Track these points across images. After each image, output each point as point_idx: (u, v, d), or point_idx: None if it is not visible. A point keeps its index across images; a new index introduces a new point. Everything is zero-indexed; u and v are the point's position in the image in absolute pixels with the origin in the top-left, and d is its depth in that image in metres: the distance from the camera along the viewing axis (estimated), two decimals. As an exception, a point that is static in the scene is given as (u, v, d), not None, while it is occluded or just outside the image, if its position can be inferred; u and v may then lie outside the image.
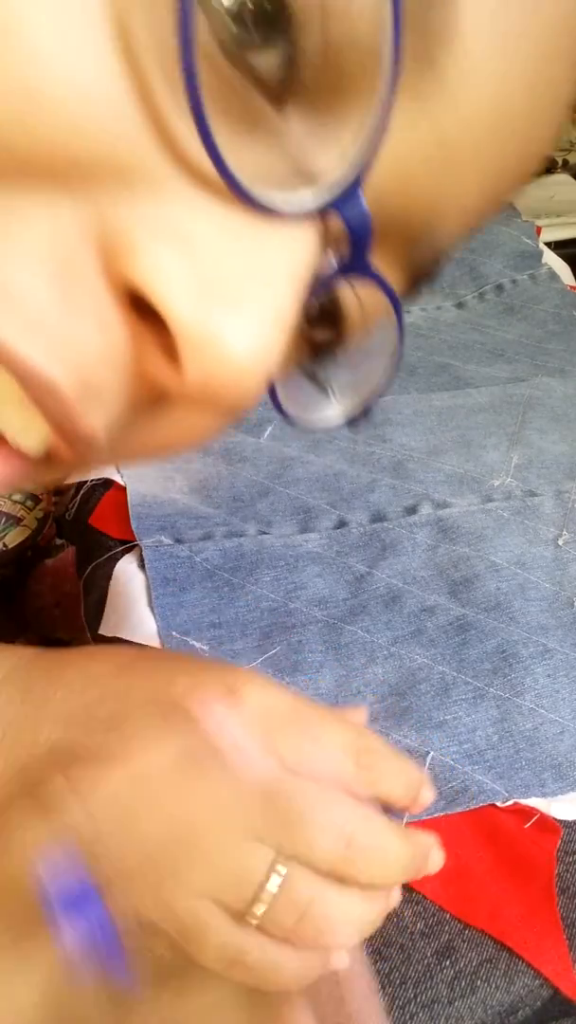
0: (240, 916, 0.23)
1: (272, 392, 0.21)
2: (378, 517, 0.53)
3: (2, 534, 0.66)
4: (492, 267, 0.81)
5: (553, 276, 0.80)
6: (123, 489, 0.55)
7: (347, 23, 0.14)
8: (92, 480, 0.57)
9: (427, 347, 0.72)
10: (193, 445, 0.21)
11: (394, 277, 0.19)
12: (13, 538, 0.67)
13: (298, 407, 0.22)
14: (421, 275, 0.20)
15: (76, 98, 0.13)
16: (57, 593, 0.73)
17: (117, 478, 0.56)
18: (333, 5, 0.14)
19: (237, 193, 0.14)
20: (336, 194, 0.15)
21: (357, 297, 0.20)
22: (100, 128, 0.14)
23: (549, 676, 0.43)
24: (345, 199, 0.16)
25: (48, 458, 0.17)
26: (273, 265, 0.15)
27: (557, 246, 0.87)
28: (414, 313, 0.77)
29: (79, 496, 0.58)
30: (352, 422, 0.23)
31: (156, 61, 0.14)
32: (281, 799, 0.25)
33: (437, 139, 0.16)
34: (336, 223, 0.16)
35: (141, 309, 0.15)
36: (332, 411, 0.23)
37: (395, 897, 0.28)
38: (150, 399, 0.17)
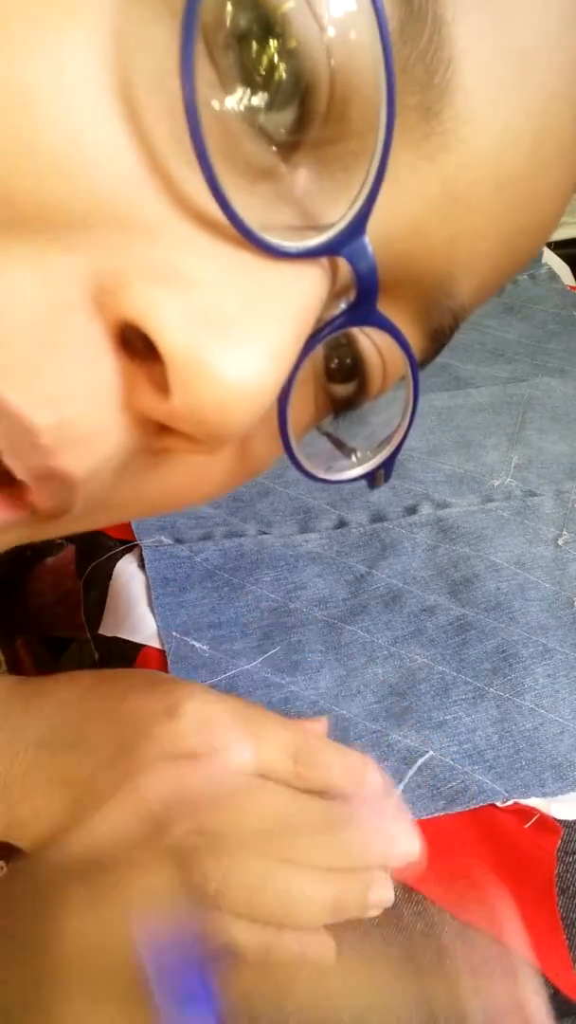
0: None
1: (290, 451, 0.21)
2: (378, 517, 0.53)
3: None
4: (492, 267, 0.81)
5: (553, 276, 0.80)
6: None
7: (352, 84, 0.15)
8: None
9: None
10: (201, 497, 0.21)
11: (411, 333, 0.19)
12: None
13: (315, 464, 0.22)
14: (439, 333, 0.20)
15: (77, 155, 0.14)
16: (58, 591, 0.73)
17: None
18: (339, 70, 0.15)
19: (242, 232, 0.15)
20: (340, 237, 0.16)
21: (379, 354, 0.20)
22: (99, 182, 0.14)
23: (549, 676, 0.43)
24: (350, 243, 0.16)
25: (34, 511, 0.17)
26: (272, 301, 0.16)
27: (557, 246, 0.87)
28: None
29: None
30: (371, 478, 0.23)
31: (164, 118, 0.14)
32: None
33: (445, 190, 0.17)
34: (345, 271, 0.17)
35: (131, 348, 0.15)
36: (350, 467, 0.23)
37: (381, 888, 0.29)
38: (143, 446, 0.17)
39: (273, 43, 0.14)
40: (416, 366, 0.20)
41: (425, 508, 0.54)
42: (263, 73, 0.14)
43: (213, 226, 0.15)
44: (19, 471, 0.16)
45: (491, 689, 0.43)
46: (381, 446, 0.22)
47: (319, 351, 0.19)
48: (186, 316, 0.15)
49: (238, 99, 0.15)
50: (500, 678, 0.43)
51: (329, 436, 0.23)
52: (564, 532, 0.52)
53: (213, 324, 0.15)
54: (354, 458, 0.23)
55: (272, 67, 0.14)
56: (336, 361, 0.21)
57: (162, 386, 0.15)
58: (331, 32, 0.14)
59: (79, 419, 0.15)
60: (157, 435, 0.17)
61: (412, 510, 0.54)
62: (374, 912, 0.29)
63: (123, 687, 0.32)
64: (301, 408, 0.21)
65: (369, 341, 0.20)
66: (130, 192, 0.14)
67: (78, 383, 0.15)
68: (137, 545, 0.50)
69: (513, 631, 0.46)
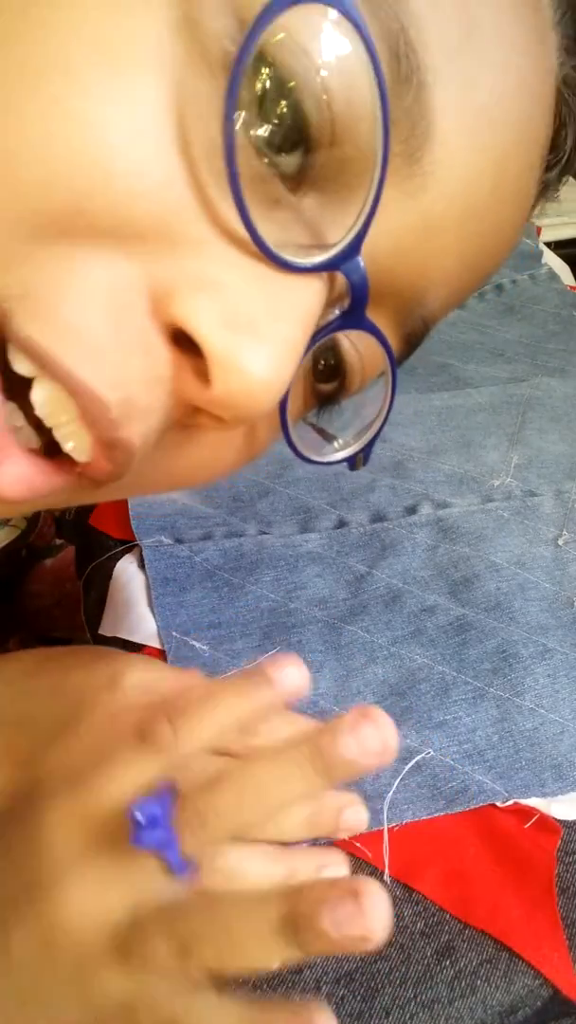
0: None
1: (287, 433, 0.24)
2: (378, 517, 0.53)
3: None
4: (492, 267, 0.81)
5: (553, 276, 0.80)
6: None
7: (350, 135, 0.19)
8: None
9: (427, 347, 0.72)
10: (214, 473, 0.25)
11: (390, 335, 0.24)
12: (1, 538, 0.67)
13: (307, 448, 0.26)
14: (412, 337, 0.25)
15: (142, 181, 0.18)
16: (57, 593, 0.73)
17: None
18: (340, 125, 0.19)
19: (264, 253, 0.19)
20: (340, 256, 0.20)
21: (359, 357, 0.25)
22: (158, 204, 0.18)
23: (549, 676, 0.43)
24: (348, 261, 0.20)
25: (90, 472, 0.20)
26: (287, 308, 0.20)
27: (557, 246, 0.87)
28: (414, 313, 0.77)
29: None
30: (351, 462, 0.27)
31: (205, 156, 0.18)
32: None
33: (423, 219, 0.21)
34: (340, 283, 0.21)
35: (180, 343, 0.19)
36: (335, 452, 0.27)
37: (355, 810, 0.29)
38: (182, 423, 0.21)
39: (289, 104, 0.18)
40: (395, 364, 0.24)
41: (425, 508, 0.54)
42: (282, 123, 0.18)
43: (241, 244, 0.19)
44: (91, 438, 0.19)
45: (491, 689, 0.43)
46: (361, 433, 0.27)
47: (308, 353, 0.23)
48: (221, 319, 0.18)
49: (262, 142, 0.18)
50: (500, 678, 0.43)
51: (313, 426, 0.28)
52: (564, 532, 0.52)
53: (243, 326, 0.19)
54: (336, 444, 0.27)
55: (289, 119, 0.18)
56: (322, 363, 0.25)
57: (203, 376, 0.19)
58: (336, 98, 0.18)
59: (139, 398, 0.19)
60: (191, 414, 0.21)
61: (412, 510, 0.54)
62: (345, 834, 0.29)
63: (68, 663, 0.33)
64: (293, 401, 0.24)
65: (351, 346, 0.25)
66: (182, 214, 0.18)
67: (139, 369, 0.19)
68: (137, 545, 0.50)
69: (513, 631, 0.46)
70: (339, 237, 0.20)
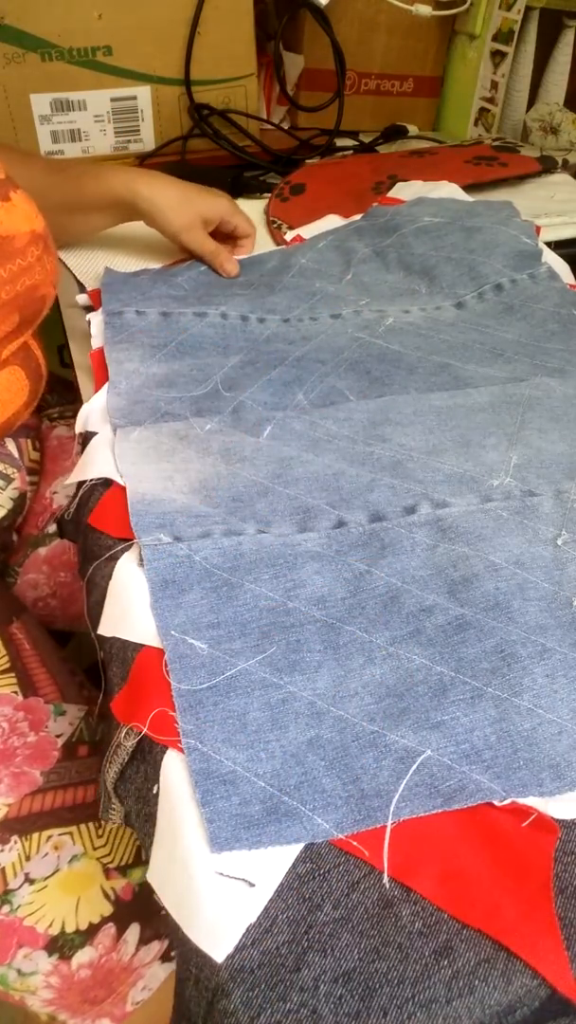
0: None
1: None
2: (377, 517, 0.53)
3: None
4: (492, 267, 0.80)
5: (553, 275, 0.80)
6: (122, 488, 0.55)
7: None
8: (91, 480, 0.58)
9: (426, 347, 0.72)
10: None
11: None
12: None
13: None
14: None
15: None
16: (52, 583, 0.74)
17: (116, 478, 0.56)
18: None
19: None
20: None
21: None
22: None
23: (548, 676, 0.43)
24: None
25: None
26: None
27: (557, 246, 0.87)
28: (413, 313, 0.77)
29: (78, 497, 0.58)
30: None
31: None
32: None
33: None
34: None
35: None
36: None
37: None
38: None
39: None
40: None
41: (424, 508, 0.54)
42: None
43: None
44: None
45: (489, 689, 0.43)
46: None
47: None
48: None
49: None
50: (498, 678, 0.43)
51: None
52: (563, 532, 0.52)
53: None
54: None
55: None
56: None
57: None
58: None
59: None
60: None
61: (411, 510, 0.54)
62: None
63: (80, 171, 0.58)
64: None
65: None
66: None
67: None
68: (136, 544, 0.50)
69: (512, 631, 0.46)
70: None
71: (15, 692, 0.59)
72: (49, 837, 0.56)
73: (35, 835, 0.55)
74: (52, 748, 0.58)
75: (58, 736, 0.59)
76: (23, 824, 0.55)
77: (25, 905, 0.55)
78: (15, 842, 0.55)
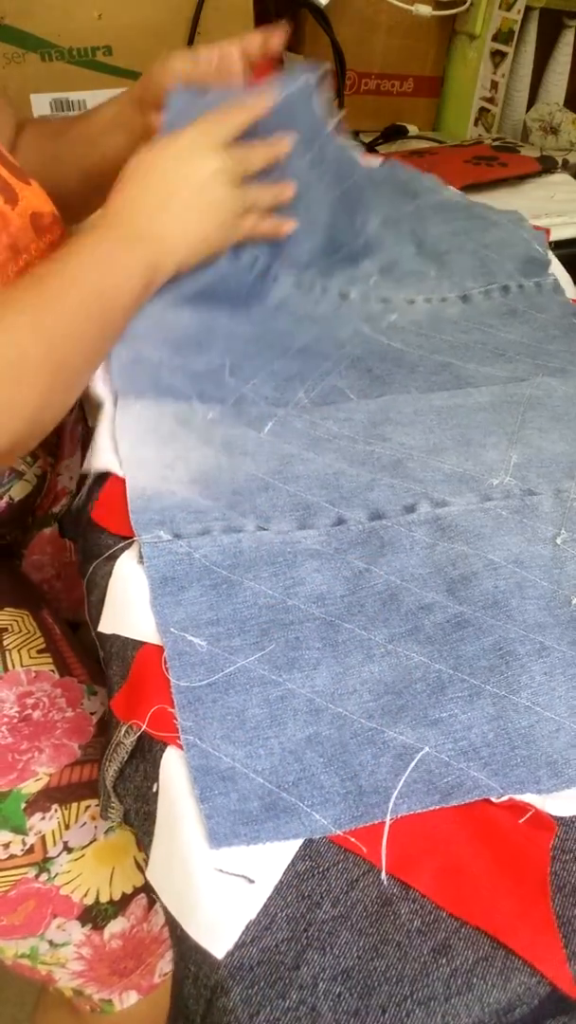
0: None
1: None
2: (377, 515, 0.53)
3: (7, 488, 0.67)
4: (503, 267, 0.80)
5: (557, 288, 0.80)
6: (122, 481, 0.54)
7: None
8: (94, 475, 0.57)
9: (428, 346, 0.72)
10: None
11: None
12: (18, 492, 0.68)
13: None
14: None
15: None
16: (57, 564, 0.74)
17: (116, 470, 0.55)
18: None
19: None
20: None
21: None
22: None
23: (546, 674, 0.43)
24: None
25: None
26: None
27: (557, 246, 0.87)
28: (419, 303, 0.76)
29: (80, 495, 0.58)
30: None
31: None
32: None
33: None
34: None
35: None
36: None
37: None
38: None
39: None
40: None
41: (424, 507, 0.54)
42: None
43: None
44: None
45: (487, 687, 0.43)
46: None
47: None
48: None
49: None
50: (497, 676, 0.43)
51: None
52: (562, 531, 0.52)
53: None
54: None
55: None
56: None
57: None
58: None
59: None
60: None
61: (411, 508, 0.54)
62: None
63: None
64: None
65: None
66: None
67: None
68: (136, 541, 0.50)
69: (510, 629, 0.46)
70: None
71: (52, 671, 0.60)
72: (87, 807, 0.56)
73: (74, 804, 0.56)
74: (88, 724, 0.59)
75: (92, 714, 0.60)
76: (63, 793, 0.56)
77: (63, 874, 0.55)
78: (55, 810, 0.55)
